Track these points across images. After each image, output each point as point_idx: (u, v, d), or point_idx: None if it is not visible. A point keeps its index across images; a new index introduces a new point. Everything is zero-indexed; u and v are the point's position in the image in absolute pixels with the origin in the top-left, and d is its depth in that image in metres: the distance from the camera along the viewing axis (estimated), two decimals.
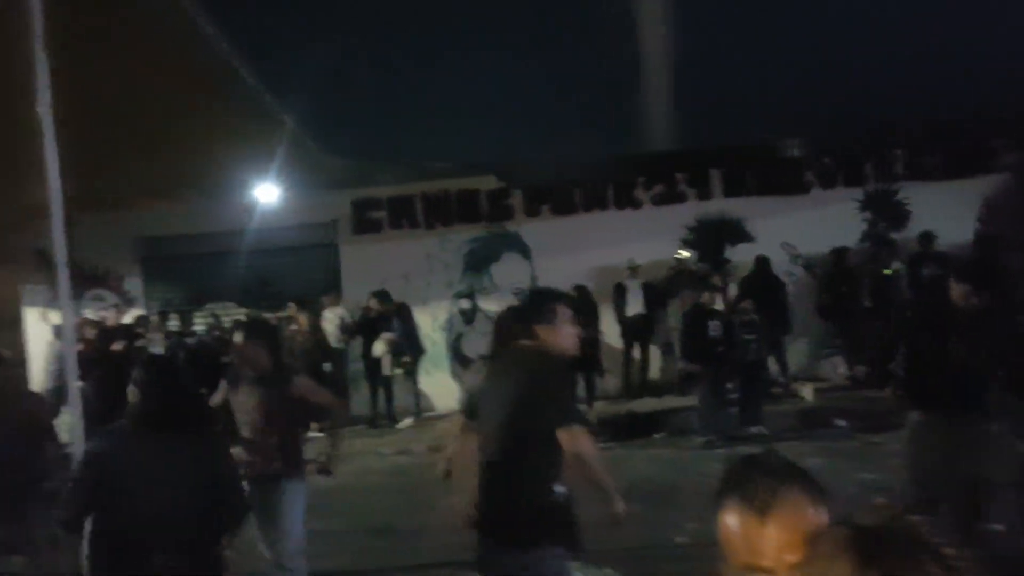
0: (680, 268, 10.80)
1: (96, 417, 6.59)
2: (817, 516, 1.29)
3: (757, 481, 1.34)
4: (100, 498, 3.14)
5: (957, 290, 4.42)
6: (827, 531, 1.06)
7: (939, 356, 4.35)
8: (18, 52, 5.27)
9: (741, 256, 11.07)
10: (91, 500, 3.15)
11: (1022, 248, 10.49)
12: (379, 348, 10.86)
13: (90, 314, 11.42)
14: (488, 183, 11.87)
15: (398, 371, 11.02)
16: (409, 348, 11.09)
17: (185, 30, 7.73)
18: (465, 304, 11.65)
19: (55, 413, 10.16)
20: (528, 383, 3.20)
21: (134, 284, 12.45)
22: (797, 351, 10.87)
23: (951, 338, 4.33)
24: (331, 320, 11.39)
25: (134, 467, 3.13)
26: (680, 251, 10.92)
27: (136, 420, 3.25)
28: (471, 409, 3.53)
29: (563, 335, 3.30)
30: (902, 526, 1.00)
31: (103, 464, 3.20)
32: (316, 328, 11.28)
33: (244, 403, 4.44)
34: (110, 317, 11.05)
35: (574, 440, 3.11)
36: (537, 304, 3.45)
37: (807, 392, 10.18)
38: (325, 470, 4.71)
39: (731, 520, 1.33)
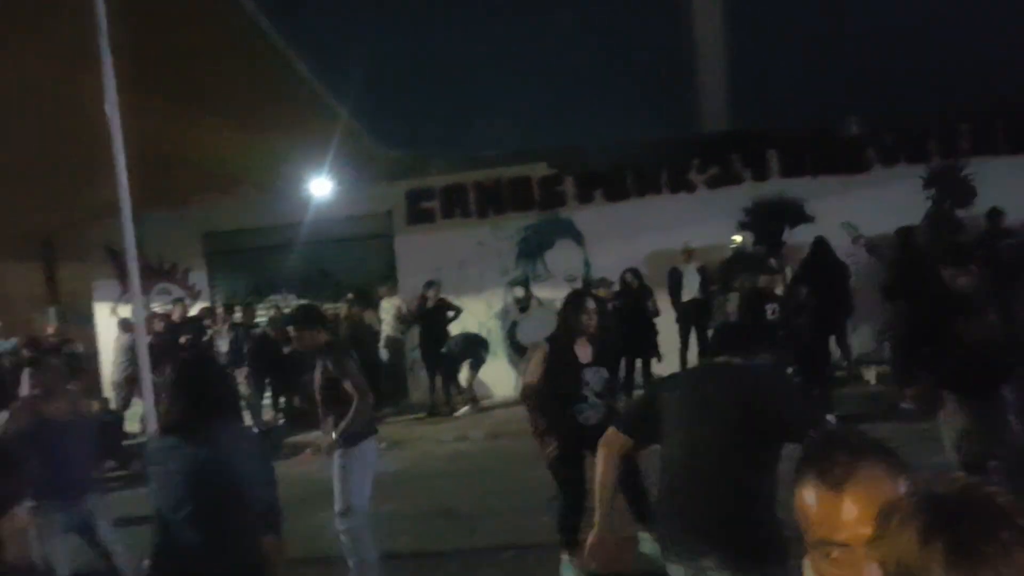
0: (736, 253, 10.65)
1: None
2: (895, 489, 1.28)
3: (834, 456, 1.35)
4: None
5: (945, 274, 4.52)
6: (899, 500, 1.06)
7: (943, 337, 4.39)
8: (86, 54, 5.46)
9: (800, 238, 10.85)
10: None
11: None
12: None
13: (158, 308, 11.80)
14: (540, 170, 11.86)
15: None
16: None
17: (244, 28, 7.91)
18: (519, 292, 11.68)
19: (126, 404, 10.62)
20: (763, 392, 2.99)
21: (199, 278, 12.80)
22: (861, 334, 10.63)
23: (951, 319, 4.37)
24: (388, 310, 11.55)
25: (166, 476, 3.12)
26: (735, 236, 10.75)
27: (164, 428, 3.30)
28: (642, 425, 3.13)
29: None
30: (976, 495, 0.98)
31: (146, 474, 3.25)
32: (371, 317, 11.46)
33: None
34: (177, 310, 11.38)
35: None
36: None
37: (871, 375, 9.96)
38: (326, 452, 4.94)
39: (808, 495, 1.34)
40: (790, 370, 9.11)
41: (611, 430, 3.11)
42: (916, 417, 8.39)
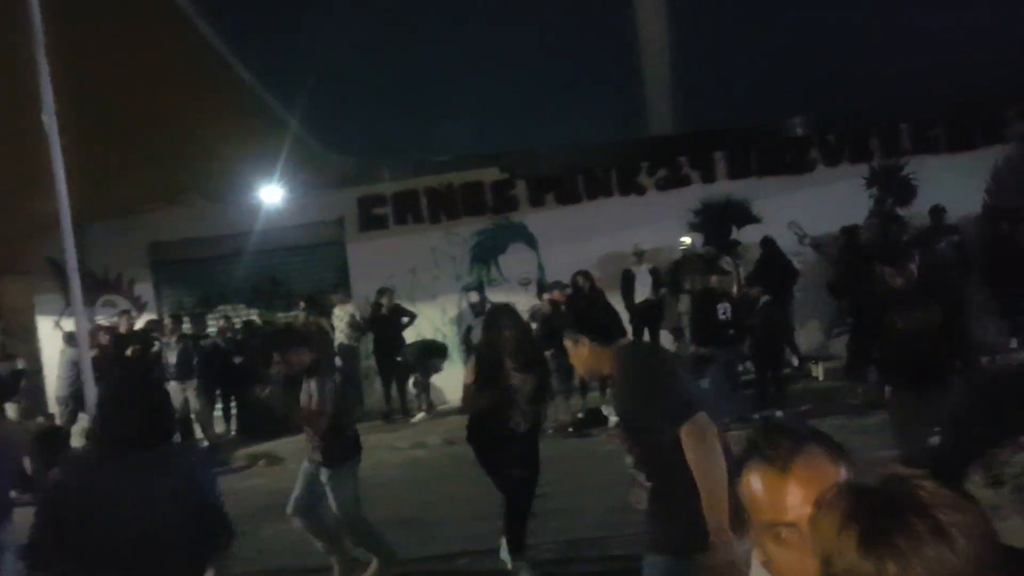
0: (686, 254, 10.81)
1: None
2: (837, 474, 1.33)
3: (778, 440, 1.39)
4: (65, 532, 2.81)
5: (883, 272, 4.70)
6: (829, 489, 1.09)
7: (883, 333, 4.55)
8: (21, 61, 5.31)
9: (748, 237, 11.05)
10: (56, 535, 2.80)
11: None
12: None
13: (103, 320, 11.53)
14: (491, 175, 11.88)
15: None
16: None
17: (186, 34, 7.77)
18: (474, 297, 11.68)
19: (73, 419, 10.34)
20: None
21: (145, 289, 12.54)
22: (809, 331, 10.86)
23: (889, 316, 4.52)
24: (341, 318, 11.44)
25: (98, 496, 2.82)
26: (684, 238, 10.91)
27: (97, 442, 3.01)
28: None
29: None
30: (897, 486, 1.01)
31: (65, 495, 2.92)
32: (326, 325, 11.34)
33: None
34: (123, 323, 11.13)
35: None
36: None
37: (819, 372, 10.17)
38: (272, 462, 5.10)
39: (754, 479, 1.37)
40: (742, 367, 9.28)
41: (705, 416, 2.78)
42: (863, 412, 8.63)
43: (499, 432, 4.80)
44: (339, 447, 4.95)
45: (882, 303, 4.75)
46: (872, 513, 0.97)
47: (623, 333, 3.30)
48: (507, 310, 5.30)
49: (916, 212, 10.92)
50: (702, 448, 2.70)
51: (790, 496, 1.33)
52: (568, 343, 3.12)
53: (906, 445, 4.57)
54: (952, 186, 10.71)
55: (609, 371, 3.11)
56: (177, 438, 4.21)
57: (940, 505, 0.95)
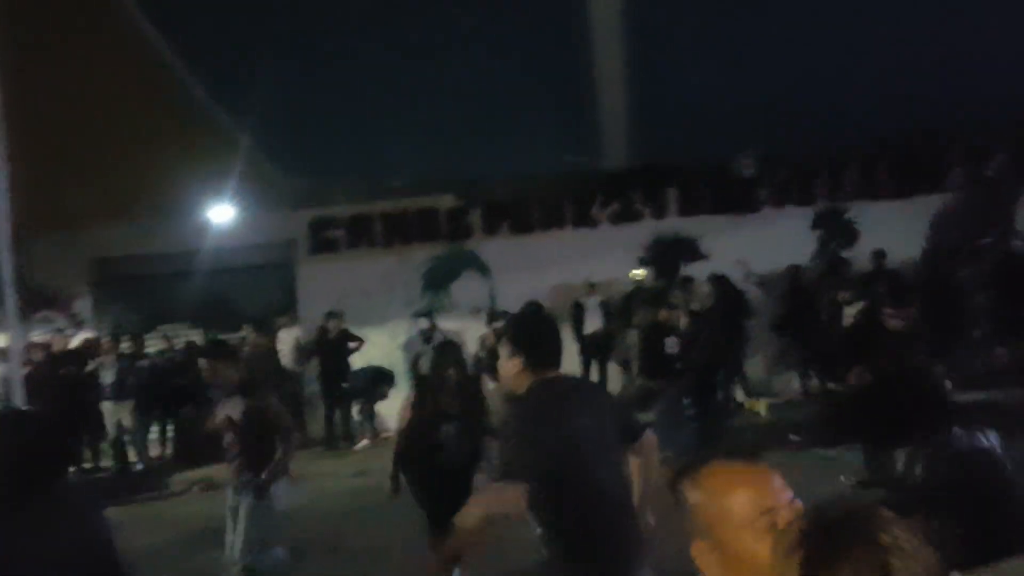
0: (636, 287, 10.93)
1: None
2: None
3: (730, 448, 1.40)
4: None
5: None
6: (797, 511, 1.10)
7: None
8: None
9: (695, 273, 11.22)
10: None
11: (967, 263, 10.85)
12: None
13: (38, 337, 11.14)
14: (447, 202, 11.89)
15: None
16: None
17: (138, 48, 7.66)
18: (424, 323, 11.61)
19: None
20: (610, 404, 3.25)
21: (85, 305, 12.18)
22: (752, 367, 11.02)
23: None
24: (287, 342, 11.26)
25: None
26: (636, 271, 11.03)
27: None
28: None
29: None
30: (864, 522, 1.00)
31: None
32: (272, 349, 11.14)
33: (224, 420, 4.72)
34: (57, 341, 10.77)
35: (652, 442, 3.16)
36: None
37: (761, 408, 10.31)
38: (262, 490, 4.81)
39: (726, 481, 1.35)
40: (686, 401, 9.34)
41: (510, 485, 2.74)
42: (804, 447, 8.76)
43: (432, 468, 4.72)
44: (263, 475, 4.72)
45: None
46: (824, 540, 0.98)
47: (559, 366, 3.07)
48: (452, 348, 5.26)
49: (859, 255, 11.20)
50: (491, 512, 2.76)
51: (774, 481, 1.34)
52: (503, 351, 3.05)
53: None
54: (894, 231, 11.04)
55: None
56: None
57: (896, 549, 0.95)
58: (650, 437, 3.10)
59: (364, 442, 10.74)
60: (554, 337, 3.08)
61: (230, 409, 4.72)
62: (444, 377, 4.80)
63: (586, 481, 2.80)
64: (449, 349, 5.21)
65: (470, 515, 2.77)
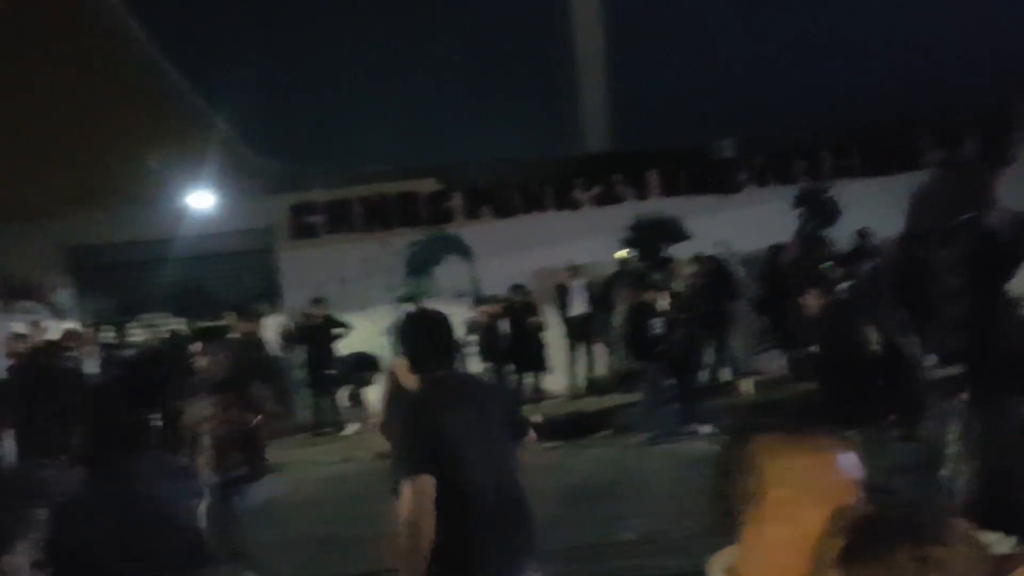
0: (622, 268, 10.94)
1: (25, 433, 6.34)
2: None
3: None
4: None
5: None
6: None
7: None
8: None
9: (679, 254, 11.25)
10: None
11: (945, 244, 10.92)
12: None
13: (18, 327, 11.01)
14: (427, 186, 11.82)
15: None
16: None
17: (115, 33, 7.52)
18: (407, 308, 11.56)
19: None
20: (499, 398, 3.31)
21: (64, 295, 12.04)
22: (735, 346, 11.09)
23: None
24: (271, 327, 11.19)
25: (83, 510, 2.78)
26: (620, 252, 11.04)
27: (74, 462, 3.02)
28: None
29: None
30: (916, 524, 1.00)
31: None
32: (255, 335, 11.06)
33: (209, 411, 4.64)
34: (36, 331, 10.64)
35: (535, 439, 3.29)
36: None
37: (748, 386, 10.39)
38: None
39: (808, 453, 1.31)
40: (670, 382, 9.39)
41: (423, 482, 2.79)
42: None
43: None
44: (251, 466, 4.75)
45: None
46: (868, 533, 0.98)
47: (448, 366, 3.12)
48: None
49: (840, 234, 11.26)
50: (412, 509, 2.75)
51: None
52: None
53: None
54: (875, 209, 11.12)
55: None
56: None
57: (941, 560, 0.93)
58: (532, 435, 3.18)
59: (353, 427, 10.70)
60: (438, 339, 3.10)
61: (209, 401, 4.63)
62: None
63: (467, 474, 2.85)
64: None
65: (396, 534, 2.80)
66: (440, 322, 3.22)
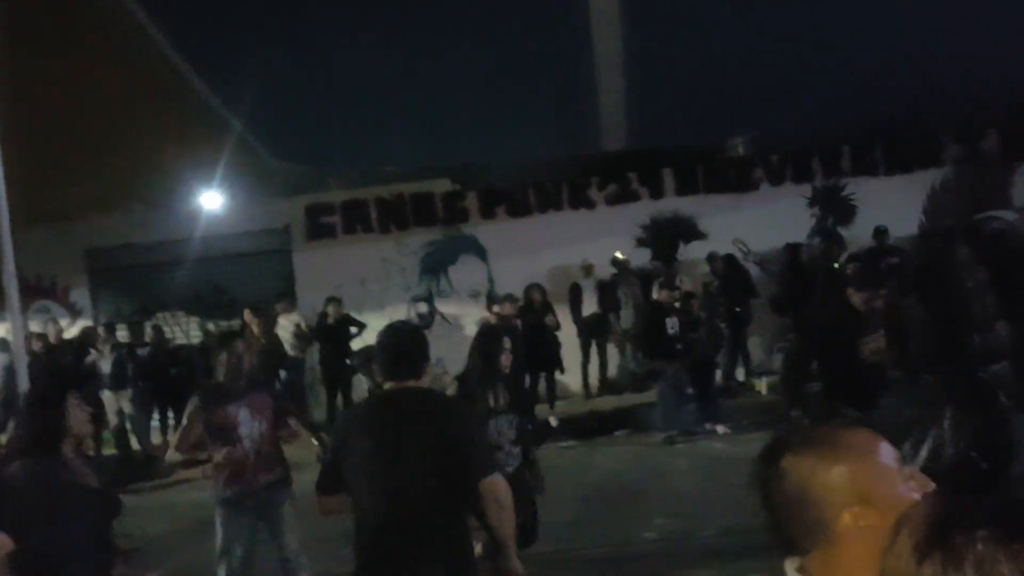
0: (620, 269, 10.92)
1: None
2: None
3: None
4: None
5: (856, 297, 4.89)
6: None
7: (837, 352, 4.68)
8: None
9: (694, 254, 11.23)
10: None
11: (964, 241, 10.87)
12: None
13: (36, 327, 11.10)
14: (443, 186, 11.83)
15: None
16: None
17: (132, 36, 7.57)
18: (422, 308, 11.60)
19: (2, 428, 9.90)
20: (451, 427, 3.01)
21: (81, 295, 12.12)
22: (751, 346, 11.05)
23: (848, 336, 4.65)
24: (286, 328, 11.22)
25: (28, 502, 3.01)
26: (616, 253, 10.98)
27: (17, 452, 3.16)
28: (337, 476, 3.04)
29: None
30: (967, 505, 0.98)
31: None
32: (272, 336, 11.10)
33: (234, 415, 4.46)
34: (54, 330, 10.73)
35: (497, 488, 2.92)
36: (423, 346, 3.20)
37: (762, 386, 10.36)
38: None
39: (876, 449, 1.32)
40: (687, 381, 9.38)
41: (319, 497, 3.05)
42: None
43: None
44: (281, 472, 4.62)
45: (843, 323, 4.85)
46: (943, 522, 0.96)
47: (405, 377, 3.09)
48: (504, 329, 5.12)
49: (856, 233, 11.21)
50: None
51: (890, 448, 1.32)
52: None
53: None
54: (891, 207, 11.06)
55: None
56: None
57: (1016, 551, 0.92)
58: (489, 483, 2.88)
59: None
60: (402, 350, 3.09)
61: (248, 404, 4.49)
62: (497, 366, 4.51)
63: (370, 497, 2.89)
64: (494, 335, 4.97)
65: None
66: (406, 333, 3.24)
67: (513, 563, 2.99)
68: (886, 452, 1.30)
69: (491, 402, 4.42)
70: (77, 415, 3.19)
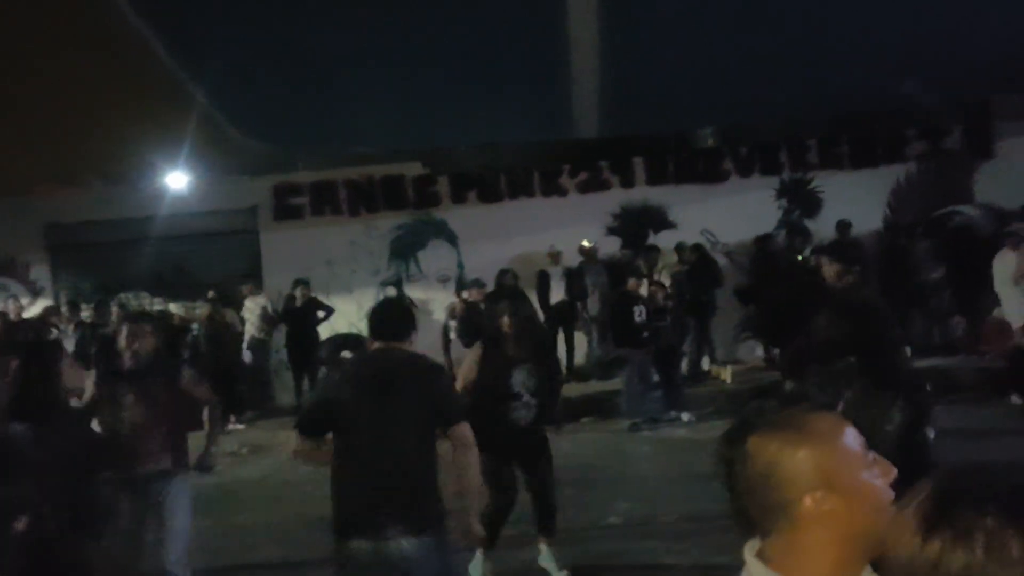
0: (586, 257, 10.96)
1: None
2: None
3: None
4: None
5: (828, 269, 4.92)
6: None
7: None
8: None
9: (663, 243, 11.30)
10: None
11: (926, 234, 11.08)
12: None
13: None
14: (413, 169, 11.75)
15: None
16: None
17: (96, 7, 7.38)
18: (391, 292, 11.54)
19: None
20: (419, 378, 3.39)
21: (41, 273, 11.87)
22: (717, 335, 11.17)
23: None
24: (252, 310, 11.10)
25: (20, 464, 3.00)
26: (584, 241, 11.01)
27: (11, 415, 3.16)
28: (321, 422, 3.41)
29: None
30: (971, 486, 0.98)
31: None
32: (232, 317, 10.98)
33: (125, 398, 4.24)
34: (14, 308, 10.50)
35: (465, 434, 3.30)
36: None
37: (726, 375, 10.49)
38: (204, 466, 4.65)
39: (830, 426, 1.32)
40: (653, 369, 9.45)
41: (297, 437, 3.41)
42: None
43: (501, 425, 4.69)
44: (186, 448, 4.43)
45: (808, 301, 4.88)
46: (946, 504, 0.95)
47: (390, 339, 3.52)
48: (517, 299, 5.32)
49: (821, 226, 11.35)
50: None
51: (856, 436, 1.32)
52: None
53: None
54: (857, 201, 11.22)
55: None
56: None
57: (991, 547, 0.91)
58: (460, 429, 3.29)
59: None
60: (387, 315, 3.62)
61: (135, 387, 4.24)
62: (513, 325, 4.87)
63: (354, 440, 3.26)
64: (513, 302, 5.37)
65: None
66: (394, 302, 3.79)
67: (472, 521, 3.35)
68: (851, 437, 1.30)
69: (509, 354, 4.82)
70: (72, 372, 3.32)
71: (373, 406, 3.26)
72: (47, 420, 3.11)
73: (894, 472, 1.28)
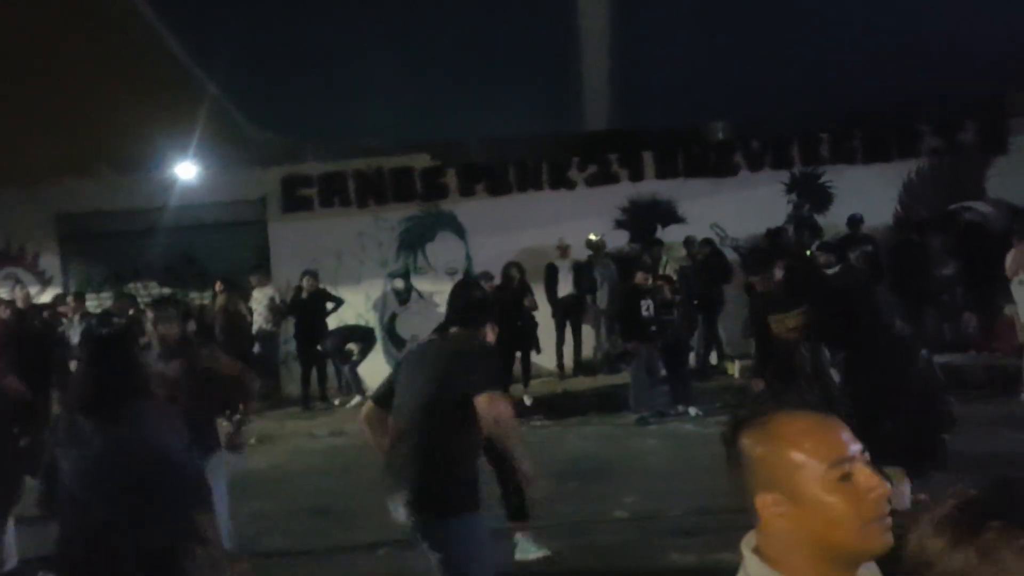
0: (595, 249, 10.92)
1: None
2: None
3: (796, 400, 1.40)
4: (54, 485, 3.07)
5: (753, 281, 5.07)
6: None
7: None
8: None
9: (672, 237, 11.27)
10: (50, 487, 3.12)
11: (938, 230, 11.00)
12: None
13: (3, 293, 10.92)
14: (422, 161, 11.74)
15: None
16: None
17: None
18: (399, 284, 11.54)
19: None
20: (454, 356, 3.49)
21: (51, 262, 11.92)
22: (726, 329, 11.13)
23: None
24: (260, 300, 11.12)
25: (76, 454, 3.00)
26: (591, 235, 10.97)
27: (78, 408, 3.11)
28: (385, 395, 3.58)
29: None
30: (993, 501, 0.98)
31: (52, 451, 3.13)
32: (244, 308, 11.00)
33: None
34: (22, 297, 10.54)
35: (492, 404, 3.27)
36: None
37: (734, 369, 10.45)
38: (236, 446, 4.69)
39: (801, 426, 1.30)
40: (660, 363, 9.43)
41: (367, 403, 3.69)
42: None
43: None
44: (215, 430, 4.57)
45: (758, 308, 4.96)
46: (966, 518, 0.94)
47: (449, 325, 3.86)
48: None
49: (833, 220, 11.30)
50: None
51: (841, 431, 1.30)
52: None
53: None
54: (868, 196, 11.15)
55: None
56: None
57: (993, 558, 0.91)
58: (481, 399, 3.24)
59: (356, 399, 10.42)
60: (453, 302, 4.12)
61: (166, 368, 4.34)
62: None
63: (396, 411, 3.43)
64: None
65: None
66: (460, 289, 4.03)
67: (524, 464, 3.35)
68: (822, 446, 1.27)
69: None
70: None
71: (407, 385, 3.41)
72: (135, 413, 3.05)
73: (883, 487, 1.25)
